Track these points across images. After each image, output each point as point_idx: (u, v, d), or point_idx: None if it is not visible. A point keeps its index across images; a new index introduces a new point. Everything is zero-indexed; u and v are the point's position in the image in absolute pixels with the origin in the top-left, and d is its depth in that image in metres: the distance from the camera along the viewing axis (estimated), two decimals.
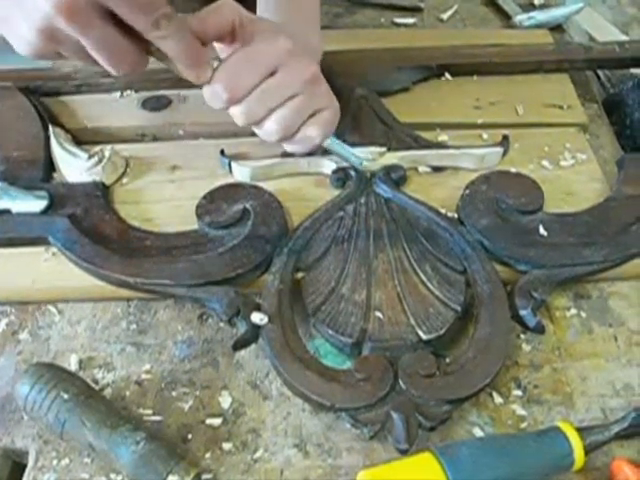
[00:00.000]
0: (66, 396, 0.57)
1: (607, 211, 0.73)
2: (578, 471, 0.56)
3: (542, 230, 0.70)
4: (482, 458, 0.54)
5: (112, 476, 0.57)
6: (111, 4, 0.56)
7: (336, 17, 1.07)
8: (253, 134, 0.79)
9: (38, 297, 0.69)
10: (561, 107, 0.87)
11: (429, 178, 0.78)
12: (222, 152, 0.77)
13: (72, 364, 0.64)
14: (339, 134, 0.74)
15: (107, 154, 0.76)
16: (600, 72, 0.97)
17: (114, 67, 0.61)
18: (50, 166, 0.78)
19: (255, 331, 0.63)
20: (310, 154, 0.75)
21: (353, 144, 0.76)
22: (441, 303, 0.64)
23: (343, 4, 1.10)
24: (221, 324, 0.67)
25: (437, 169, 0.78)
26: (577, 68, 0.93)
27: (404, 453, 0.56)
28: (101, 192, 0.74)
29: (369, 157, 0.75)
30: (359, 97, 0.85)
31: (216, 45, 0.69)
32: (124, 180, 0.78)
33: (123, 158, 0.78)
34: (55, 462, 0.58)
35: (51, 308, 0.69)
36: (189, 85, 0.85)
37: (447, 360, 0.62)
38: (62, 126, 0.82)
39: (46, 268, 0.70)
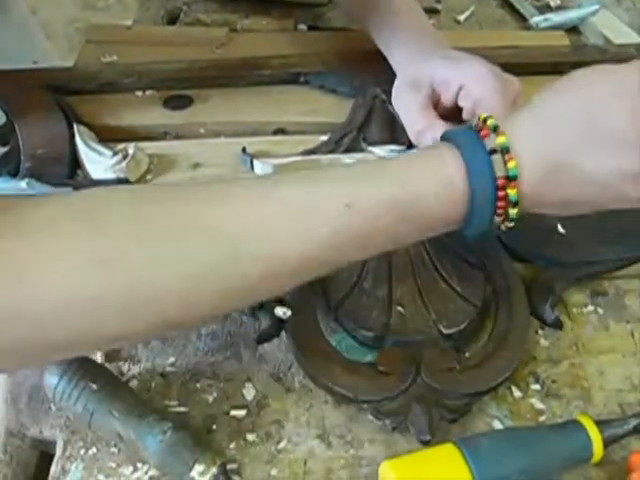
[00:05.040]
0: (94, 386, 0.58)
1: (624, 209, 0.74)
2: (596, 464, 0.57)
3: (560, 228, 0.71)
4: (503, 449, 0.55)
5: (139, 465, 0.58)
6: None
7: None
8: (274, 132, 0.81)
9: None
10: None
11: None
12: (244, 150, 0.78)
13: (98, 356, 0.65)
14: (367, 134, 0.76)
15: (131, 151, 0.77)
16: None
17: None
18: (75, 163, 0.79)
19: (278, 325, 0.64)
20: (330, 152, 0.76)
21: (373, 142, 0.77)
22: (461, 298, 0.65)
23: None
24: (244, 318, 0.68)
25: None
26: None
27: (426, 444, 0.57)
28: None
29: (389, 155, 0.76)
30: (375, 96, 0.85)
31: None
32: (148, 177, 0.78)
33: (146, 155, 0.79)
34: (82, 451, 0.60)
35: None
36: (210, 85, 0.87)
37: (467, 354, 0.63)
38: (86, 124, 0.83)
39: None
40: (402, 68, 0.79)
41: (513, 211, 0.52)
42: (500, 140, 0.50)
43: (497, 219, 0.52)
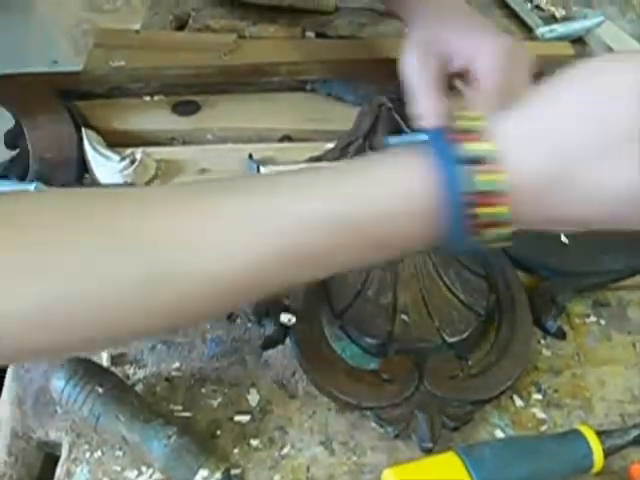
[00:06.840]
0: (101, 390, 0.59)
1: None
2: (597, 474, 0.58)
3: (563, 238, 0.72)
4: (504, 458, 0.55)
5: (143, 469, 0.59)
6: None
7: (360, 27, 1.08)
8: (281, 140, 0.81)
9: None
10: None
11: None
12: (250, 156, 0.79)
13: (104, 360, 0.66)
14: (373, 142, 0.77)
15: (139, 156, 0.78)
16: None
17: None
18: (83, 167, 0.80)
19: (283, 331, 0.64)
20: (336, 159, 0.77)
21: (379, 150, 0.78)
22: (465, 307, 0.65)
23: (367, 15, 1.11)
24: (249, 324, 0.68)
25: None
26: None
27: (428, 452, 0.58)
28: None
29: None
30: (381, 104, 0.86)
31: None
32: (155, 182, 0.79)
33: (154, 161, 0.80)
34: (88, 454, 0.60)
35: None
36: (218, 91, 0.88)
37: (470, 362, 0.64)
38: (94, 128, 0.83)
39: None
40: (416, 28, 0.77)
41: (501, 231, 0.43)
42: (483, 147, 0.42)
43: (475, 238, 0.43)
